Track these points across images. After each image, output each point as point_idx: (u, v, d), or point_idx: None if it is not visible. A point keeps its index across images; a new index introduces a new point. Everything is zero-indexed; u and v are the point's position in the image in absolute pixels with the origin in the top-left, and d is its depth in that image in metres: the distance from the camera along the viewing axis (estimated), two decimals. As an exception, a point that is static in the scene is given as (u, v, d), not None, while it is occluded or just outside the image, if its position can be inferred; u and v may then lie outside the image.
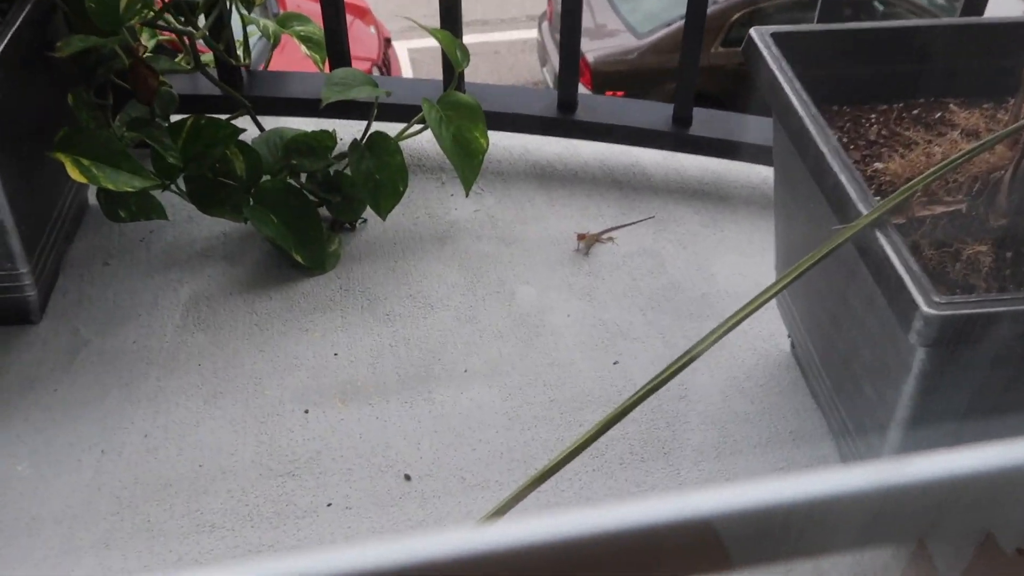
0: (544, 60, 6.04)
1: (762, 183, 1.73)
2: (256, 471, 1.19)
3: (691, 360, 0.87)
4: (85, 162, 1.25)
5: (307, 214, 1.45)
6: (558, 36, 5.18)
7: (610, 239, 1.57)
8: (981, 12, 1.43)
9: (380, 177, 1.43)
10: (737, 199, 1.68)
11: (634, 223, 1.62)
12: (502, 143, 1.81)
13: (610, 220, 1.63)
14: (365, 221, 1.61)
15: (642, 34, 5.10)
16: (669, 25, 5.00)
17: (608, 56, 5.08)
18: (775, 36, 1.14)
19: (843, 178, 0.96)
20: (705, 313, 1.44)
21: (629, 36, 5.12)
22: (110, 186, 1.25)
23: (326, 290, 1.47)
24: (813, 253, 0.91)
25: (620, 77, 5.12)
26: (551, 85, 6.28)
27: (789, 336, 1.36)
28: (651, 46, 5.02)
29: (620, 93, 5.08)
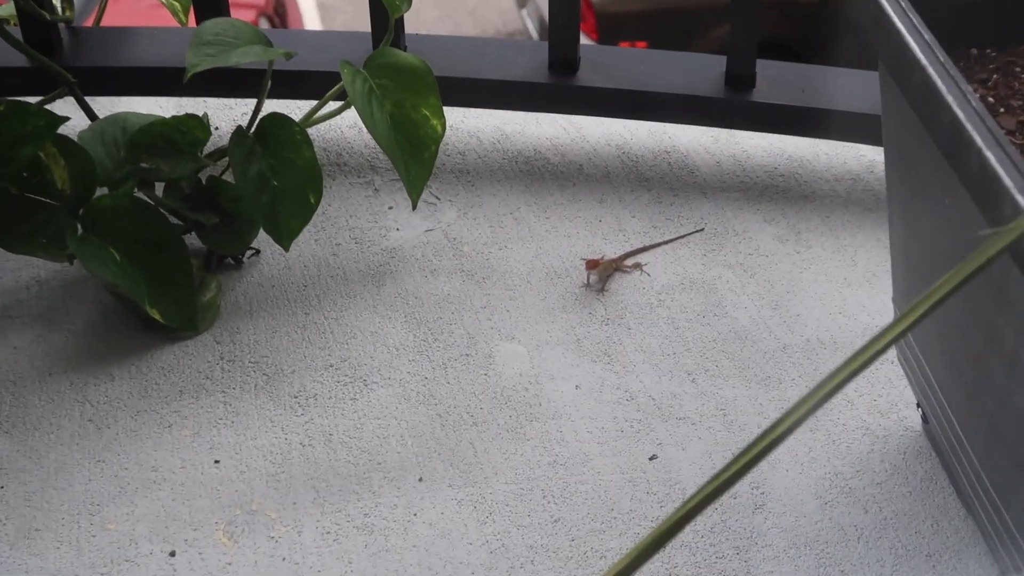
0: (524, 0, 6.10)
1: (867, 172, 1.75)
2: (96, 652, 1.18)
3: (769, 449, 0.86)
4: None
5: (167, 246, 1.45)
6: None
7: (637, 267, 1.58)
8: None
9: (280, 184, 1.44)
10: (829, 198, 1.70)
11: (672, 240, 1.63)
12: (466, 125, 1.83)
13: (635, 238, 1.64)
14: (257, 253, 1.62)
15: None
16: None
17: (621, -11, 5.10)
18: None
19: (992, 157, 0.95)
20: (787, 375, 1.45)
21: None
22: None
23: (200, 362, 1.47)
24: (952, 274, 0.91)
25: (640, 20, 5.13)
26: (536, 36, 6.31)
27: (919, 406, 1.35)
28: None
29: (641, 44, 5.09)
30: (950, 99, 1.00)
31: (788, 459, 1.35)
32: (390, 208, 1.70)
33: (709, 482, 0.82)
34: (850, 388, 1.40)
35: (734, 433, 1.38)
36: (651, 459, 1.35)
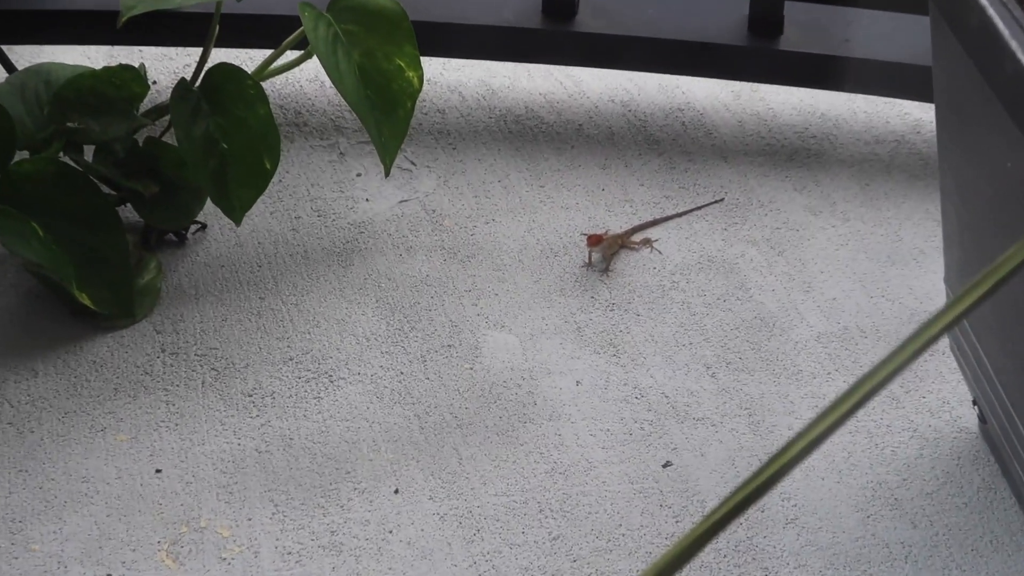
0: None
1: (912, 133, 1.74)
2: None
3: (803, 455, 0.86)
4: None
5: (98, 220, 1.45)
6: None
7: (646, 243, 1.58)
8: None
9: (230, 147, 1.43)
10: (869, 163, 1.70)
11: (687, 212, 1.63)
12: (447, 79, 1.83)
13: (644, 210, 1.64)
14: (204, 228, 1.61)
15: None
16: None
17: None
18: None
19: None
20: (821, 369, 1.45)
21: None
22: None
23: (137, 355, 1.47)
24: (1016, 249, 0.90)
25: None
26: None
27: (975, 404, 1.35)
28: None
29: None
30: (1013, 44, 1.00)
31: (824, 466, 1.34)
32: (358, 175, 1.69)
33: (733, 493, 0.82)
34: (895, 384, 1.40)
35: (761, 436, 1.37)
36: (665, 466, 1.35)
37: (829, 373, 1.44)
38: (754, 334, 1.49)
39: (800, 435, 0.84)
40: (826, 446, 1.30)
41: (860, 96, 1.77)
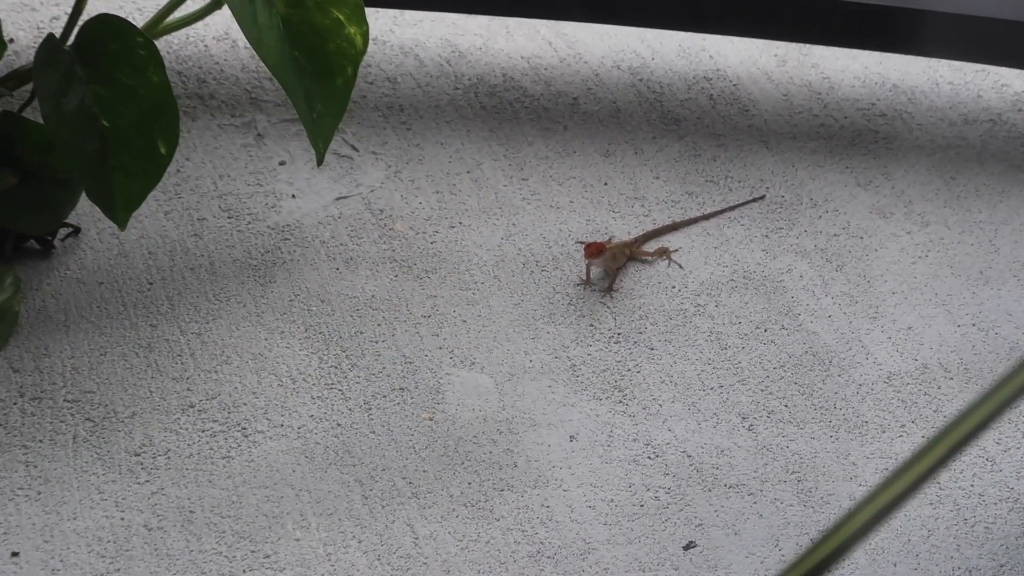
0: None
1: (1012, 110, 1.75)
2: None
3: (867, 533, 0.86)
4: None
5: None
6: None
7: (663, 254, 1.59)
8: None
9: (113, 125, 1.43)
10: (955, 150, 1.71)
11: (717, 214, 1.63)
12: (400, 37, 1.83)
13: (659, 210, 1.64)
14: (76, 232, 1.61)
15: None
16: None
17: None
18: None
19: None
20: (892, 419, 1.45)
21: None
22: None
23: (-12, 400, 1.47)
24: None
25: None
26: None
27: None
28: None
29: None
30: None
31: (896, 547, 1.34)
32: (282, 163, 1.69)
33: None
34: (989, 439, 1.39)
35: (813, 508, 1.37)
36: (687, 548, 1.35)
37: (903, 425, 1.44)
38: (804, 374, 1.49)
39: (864, 506, 0.83)
40: (898, 521, 1.31)
41: (944, 62, 1.77)
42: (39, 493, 1.39)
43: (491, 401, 1.47)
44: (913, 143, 1.72)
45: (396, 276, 1.58)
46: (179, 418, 1.45)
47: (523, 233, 1.62)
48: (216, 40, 1.80)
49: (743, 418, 1.46)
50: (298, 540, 1.36)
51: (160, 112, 1.45)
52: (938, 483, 1.35)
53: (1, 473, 1.40)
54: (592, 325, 1.53)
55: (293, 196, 1.66)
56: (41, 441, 1.43)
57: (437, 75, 1.79)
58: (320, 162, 1.48)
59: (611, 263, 1.55)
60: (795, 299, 1.56)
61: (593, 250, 1.54)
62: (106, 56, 1.44)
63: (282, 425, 1.45)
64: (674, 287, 1.57)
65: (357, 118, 1.73)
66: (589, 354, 1.51)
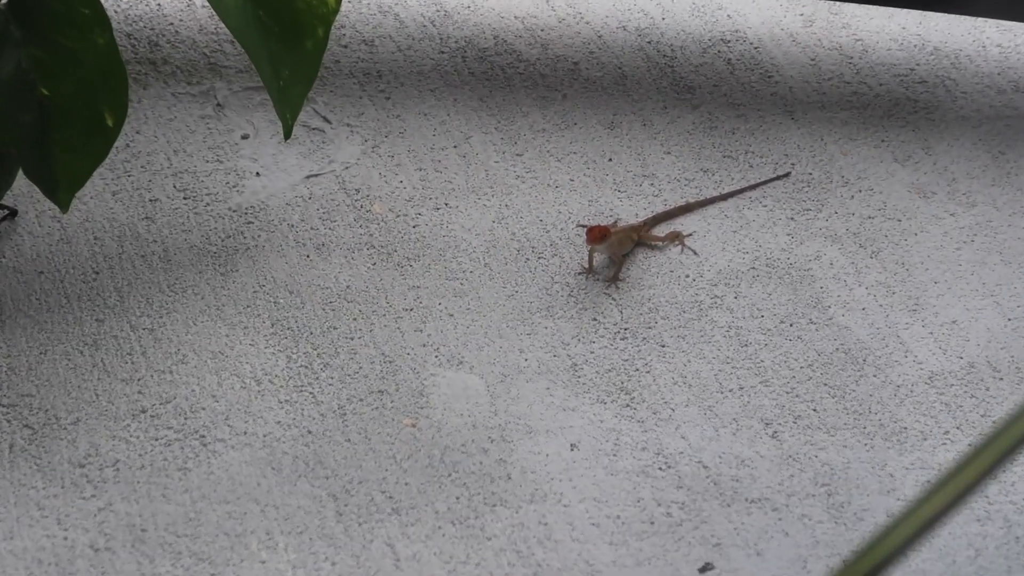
0: None
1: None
2: None
3: (906, 552, 0.85)
4: None
5: None
6: None
7: (675, 239, 1.59)
8: None
9: (53, 94, 1.43)
10: (1004, 121, 1.71)
11: (736, 194, 1.64)
12: (376, -5, 1.85)
13: (671, 189, 1.64)
14: (13, 215, 1.61)
15: None
16: None
17: None
18: None
19: None
20: (935, 425, 1.45)
21: None
22: None
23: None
24: None
25: None
26: None
27: None
28: None
29: None
30: None
31: (940, 569, 1.34)
32: (244, 137, 1.69)
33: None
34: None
35: (845, 525, 1.37)
36: (703, 571, 1.35)
37: (946, 431, 1.44)
38: (836, 374, 1.49)
39: (902, 522, 0.82)
40: (941, 538, 1.32)
41: (991, 22, 1.77)
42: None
43: (482, 405, 1.47)
44: (957, 113, 1.72)
45: (374, 264, 1.58)
46: (129, 425, 1.45)
47: (517, 215, 1.63)
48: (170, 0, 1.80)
49: (766, 424, 1.46)
50: (264, 563, 1.36)
51: (107, 79, 1.44)
52: (986, 496, 1.36)
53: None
54: (595, 319, 1.54)
55: (257, 174, 1.67)
56: (-27, 452, 1.43)
57: (420, 37, 1.79)
58: (288, 135, 1.48)
59: (617, 249, 1.56)
60: (824, 289, 1.56)
61: (596, 234, 1.55)
62: (45, 15, 1.43)
63: (245, 432, 1.45)
64: (688, 276, 1.57)
65: (329, 86, 1.74)
66: (592, 352, 1.51)
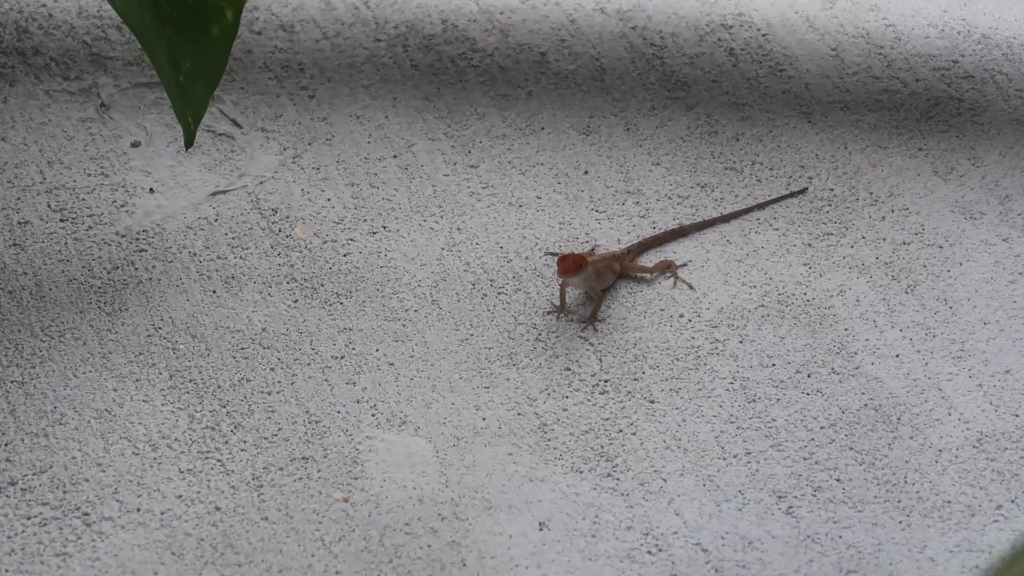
0: None
1: None
2: None
3: None
4: None
5: None
6: None
7: (665, 269, 1.61)
8: None
9: None
10: None
11: (743, 214, 1.66)
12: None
13: (660, 209, 1.66)
14: None
15: None
16: None
17: None
18: None
19: None
20: (985, 498, 1.46)
21: None
22: None
23: None
24: None
25: None
26: None
27: None
28: None
29: None
30: None
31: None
32: (135, 145, 1.70)
33: None
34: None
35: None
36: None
37: (999, 506, 1.45)
38: (864, 436, 1.50)
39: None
40: None
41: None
42: None
43: (429, 475, 1.48)
44: (1010, 116, 1.73)
45: (296, 301, 1.59)
46: (-5, 500, 1.45)
47: (472, 241, 1.64)
48: (41, -27, 1.81)
49: (779, 497, 1.47)
50: (163, 669, 1.38)
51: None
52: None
53: None
54: (569, 369, 1.55)
55: (151, 191, 1.68)
56: None
57: (351, 21, 1.80)
58: (189, 143, 1.50)
59: (595, 282, 1.57)
60: (850, 332, 1.58)
61: (570, 265, 1.55)
62: None
63: (139, 509, 1.46)
64: (682, 316, 1.59)
65: (240, 82, 1.74)
66: (565, 409, 1.53)
